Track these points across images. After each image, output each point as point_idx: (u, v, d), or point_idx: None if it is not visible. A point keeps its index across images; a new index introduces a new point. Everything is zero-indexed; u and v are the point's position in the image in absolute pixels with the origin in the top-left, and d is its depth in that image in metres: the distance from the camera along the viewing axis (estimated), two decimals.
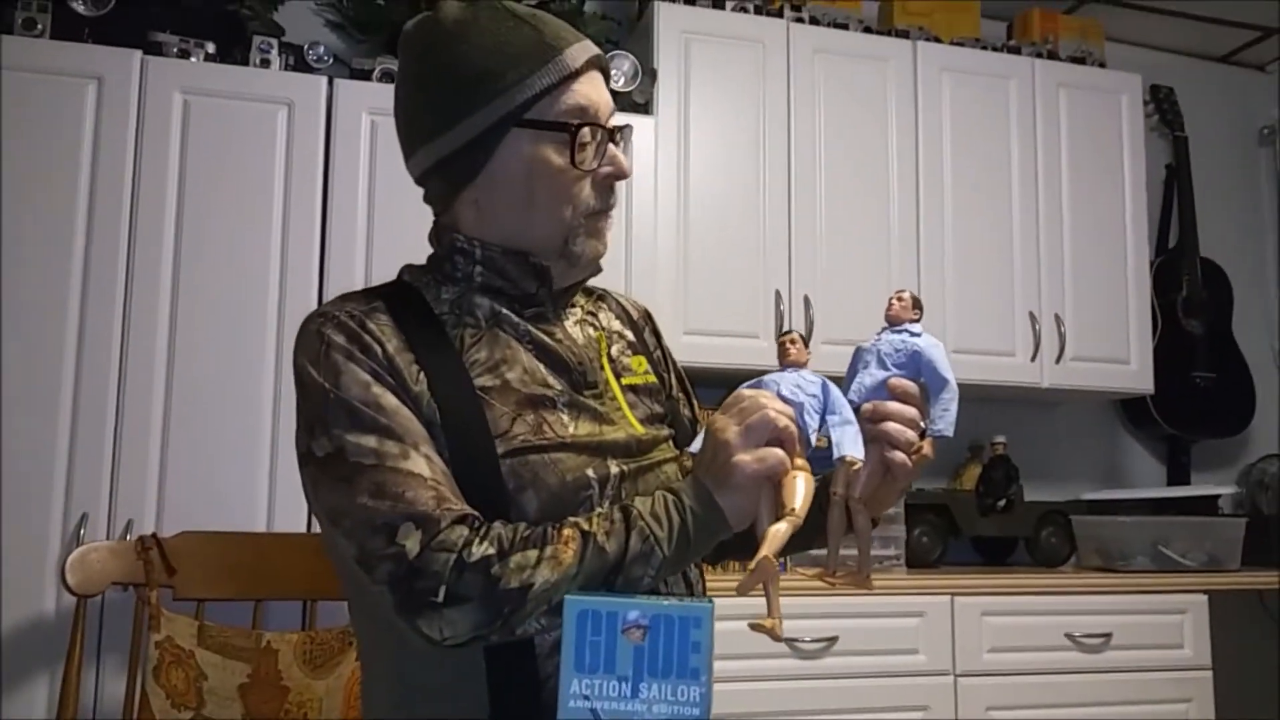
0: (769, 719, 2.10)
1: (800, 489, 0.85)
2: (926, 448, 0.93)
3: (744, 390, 0.91)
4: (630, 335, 1.14)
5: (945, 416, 0.94)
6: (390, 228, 2.17)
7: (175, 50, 2.15)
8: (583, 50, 1.02)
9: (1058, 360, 2.74)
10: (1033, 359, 2.73)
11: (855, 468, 0.89)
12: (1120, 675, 2.38)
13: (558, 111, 1.00)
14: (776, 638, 0.82)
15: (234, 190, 2.11)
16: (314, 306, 2.06)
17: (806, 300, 2.54)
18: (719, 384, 2.58)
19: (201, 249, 2.07)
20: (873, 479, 0.93)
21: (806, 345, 0.96)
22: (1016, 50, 2.89)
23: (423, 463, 0.90)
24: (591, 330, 1.09)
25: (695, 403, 1.21)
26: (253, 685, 1.63)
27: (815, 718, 2.15)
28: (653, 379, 1.11)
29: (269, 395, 2.05)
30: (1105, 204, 2.87)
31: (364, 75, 2.30)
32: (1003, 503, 2.67)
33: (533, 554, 0.86)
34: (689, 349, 2.34)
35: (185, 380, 2.01)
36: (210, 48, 2.19)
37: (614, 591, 0.86)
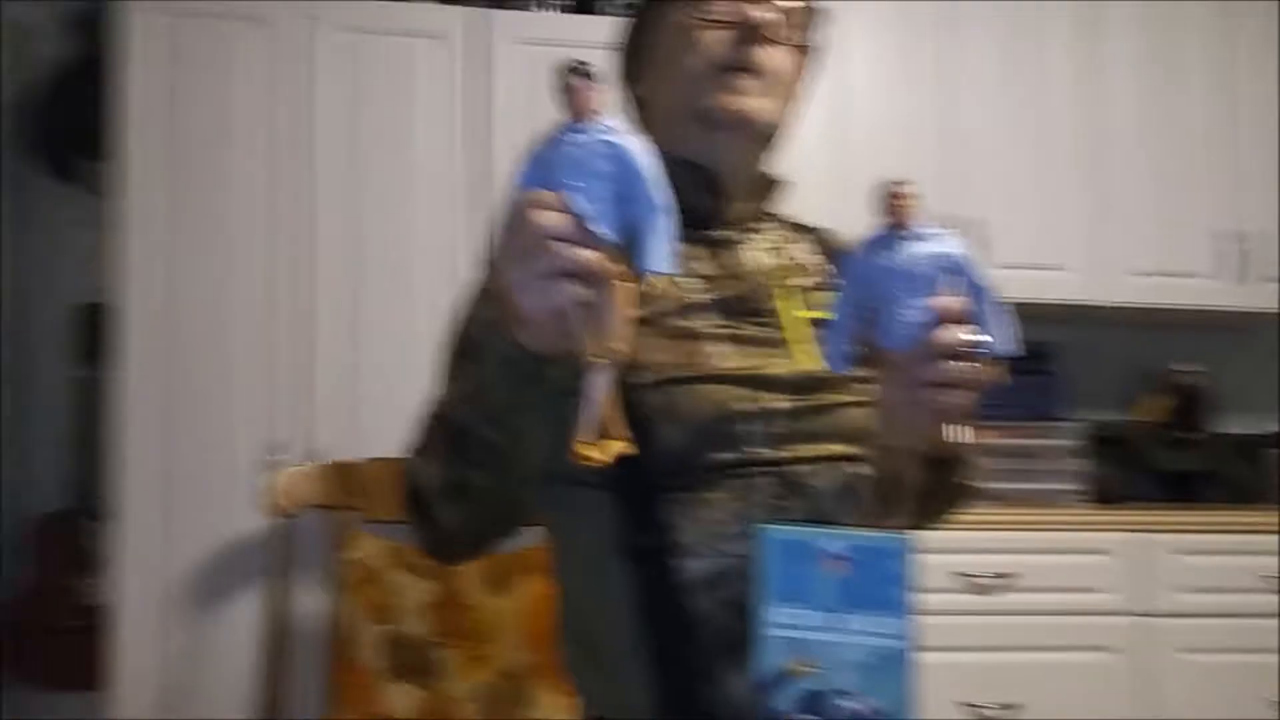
0: (942, 654, 2.06)
1: (610, 309, 0.65)
2: (997, 370, 0.78)
3: (514, 204, 0.67)
4: (824, 271, 1.05)
5: (1000, 329, 0.77)
6: None
7: None
8: None
9: (1251, 280, 2.52)
10: (1224, 279, 2.52)
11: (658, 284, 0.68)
12: None
13: None
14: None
15: (403, 123, 2.15)
16: (488, 233, 2.12)
17: (980, 223, 2.41)
18: None
19: (381, 180, 2.12)
20: (917, 424, 0.78)
21: (598, 87, 0.66)
22: None
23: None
24: (778, 258, 1.03)
25: None
26: (439, 602, 1.70)
27: (991, 654, 2.10)
28: None
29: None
30: None
31: (521, 6, 2.29)
32: (1193, 435, 2.51)
33: (419, 446, 0.88)
34: None
35: (374, 313, 2.09)
36: None
37: (470, 458, 0.83)
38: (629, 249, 0.66)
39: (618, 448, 0.68)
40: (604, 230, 0.64)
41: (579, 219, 0.64)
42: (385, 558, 1.70)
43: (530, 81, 2.19)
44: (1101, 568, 2.17)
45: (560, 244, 0.63)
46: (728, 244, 1.01)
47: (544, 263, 0.64)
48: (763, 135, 1.01)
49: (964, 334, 0.75)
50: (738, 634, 0.87)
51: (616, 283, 0.65)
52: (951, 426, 0.79)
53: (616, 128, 0.66)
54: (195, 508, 1.99)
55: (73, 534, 2.27)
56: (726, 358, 0.93)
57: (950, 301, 0.75)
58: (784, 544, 0.77)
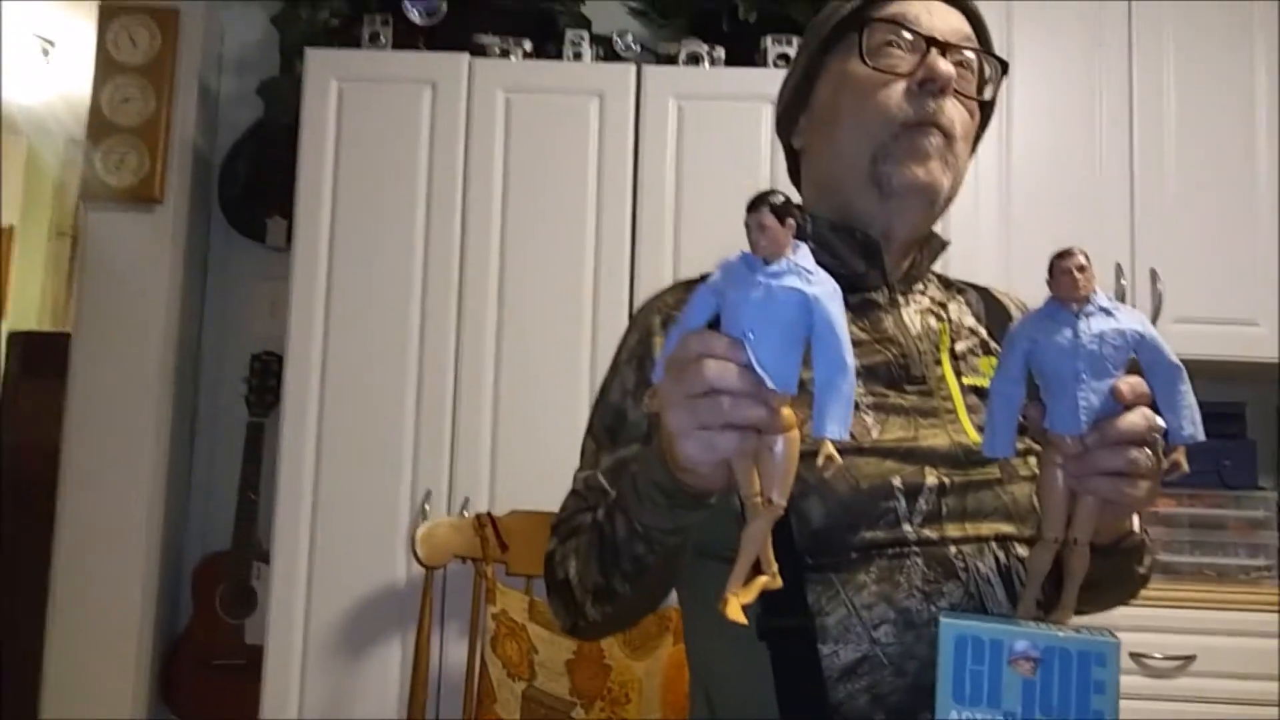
0: None
1: (777, 466, 0.62)
2: (1182, 460, 0.70)
3: (688, 336, 0.63)
4: (985, 334, 1.00)
5: (1190, 413, 0.69)
6: (697, 211, 2.16)
7: (497, 50, 2.26)
8: None
9: None
10: None
11: (829, 456, 0.62)
12: None
13: (866, 17, 0.94)
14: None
15: (552, 182, 2.19)
16: (626, 291, 2.14)
17: (1153, 273, 2.26)
18: None
19: (525, 241, 2.17)
20: (1093, 515, 0.72)
21: (792, 225, 0.60)
22: None
23: (609, 462, 0.92)
24: (934, 321, 0.97)
25: None
26: (578, 661, 1.70)
27: None
28: None
29: (587, 379, 2.12)
30: None
31: (670, 60, 2.31)
32: None
33: (570, 544, 0.88)
34: None
35: (513, 368, 2.13)
36: (527, 45, 2.28)
37: (622, 570, 0.81)
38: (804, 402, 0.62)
39: (764, 585, 0.65)
40: (780, 387, 0.60)
41: (752, 371, 0.60)
42: (527, 612, 1.72)
43: (680, 135, 2.20)
44: None
45: (728, 398, 0.60)
46: (883, 307, 0.96)
47: (708, 415, 0.61)
48: (938, 202, 0.95)
49: (1147, 420, 0.69)
50: None
51: (785, 435, 0.62)
52: (1131, 515, 0.73)
53: (810, 272, 0.61)
54: (345, 554, 2.06)
55: (239, 574, 2.39)
56: (880, 428, 0.88)
57: (1135, 383, 0.68)
58: (962, 638, 0.71)
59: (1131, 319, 0.69)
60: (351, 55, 2.23)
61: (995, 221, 2.28)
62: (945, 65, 0.91)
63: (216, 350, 2.62)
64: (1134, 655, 1.93)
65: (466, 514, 2.02)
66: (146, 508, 2.34)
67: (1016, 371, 0.72)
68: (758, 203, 0.60)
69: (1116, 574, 0.88)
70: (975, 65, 0.96)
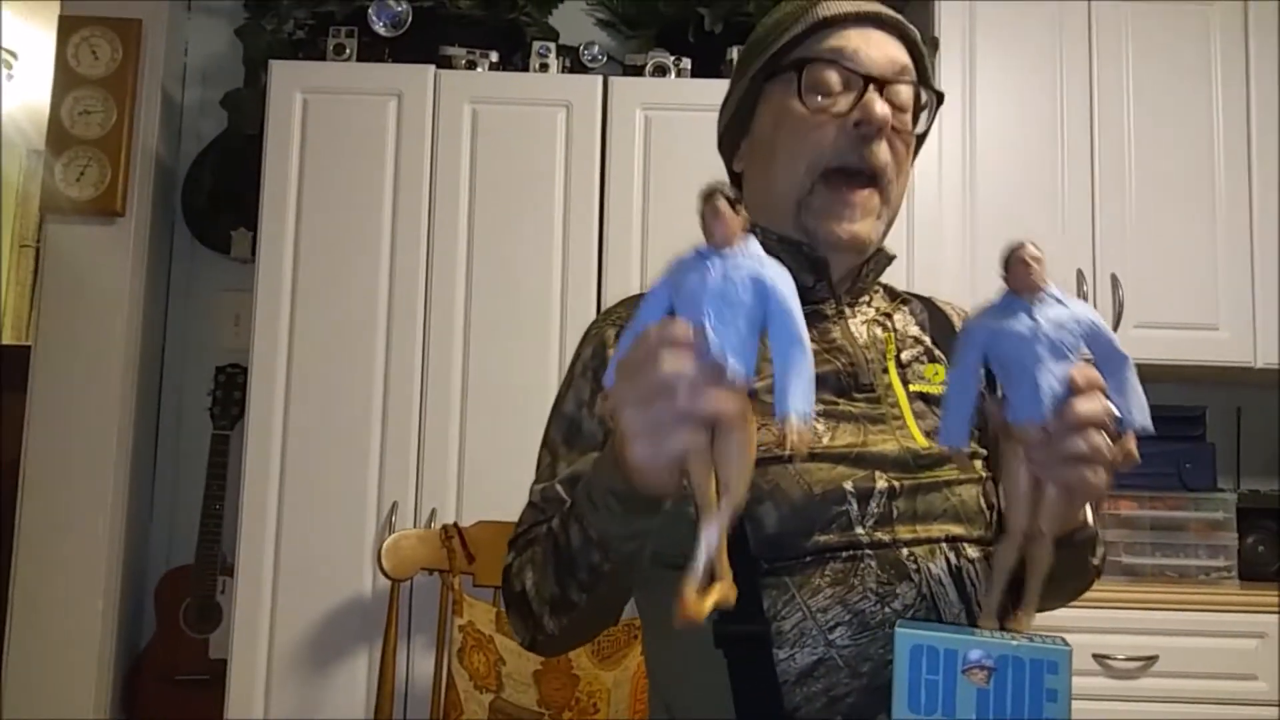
0: None
1: (732, 457, 0.60)
2: (1132, 447, 0.71)
3: (646, 330, 0.62)
4: (929, 342, 1.02)
5: (1138, 401, 0.70)
6: (664, 221, 2.18)
7: (464, 62, 2.27)
8: (848, 4, 0.95)
9: None
10: None
11: (798, 433, 0.59)
12: None
13: (808, 55, 0.94)
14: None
15: (519, 193, 2.19)
16: (594, 302, 2.14)
17: (1114, 279, 2.30)
18: None
19: (491, 252, 2.17)
20: (1057, 504, 0.72)
21: (744, 214, 0.61)
22: None
23: (566, 472, 0.93)
24: (880, 331, 0.99)
25: None
26: (546, 672, 1.69)
27: None
28: None
29: (554, 390, 2.11)
30: None
31: (636, 71, 2.32)
32: None
33: (526, 554, 0.89)
34: None
35: (480, 379, 2.12)
36: (494, 57, 2.28)
37: (578, 580, 0.81)
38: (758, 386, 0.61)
39: (721, 594, 0.62)
40: (740, 370, 0.59)
41: (711, 357, 0.59)
42: (494, 624, 1.71)
43: (646, 146, 2.21)
44: (1252, 652, 2.00)
45: (686, 389, 0.58)
46: (831, 318, 0.98)
47: (665, 410, 0.59)
48: (868, 247, 0.97)
49: (1104, 405, 0.70)
50: None
51: (742, 426, 0.61)
52: (1087, 504, 0.74)
53: (761, 256, 0.61)
54: (311, 568, 2.04)
55: (203, 588, 2.37)
56: (830, 435, 0.89)
57: (1089, 371, 0.69)
58: (917, 648, 0.72)
59: (1084, 308, 0.70)
60: (316, 67, 2.23)
61: (959, 229, 2.30)
62: (880, 108, 0.91)
63: (180, 363, 2.59)
64: (1096, 656, 1.95)
65: (433, 526, 2.01)
66: (108, 521, 2.31)
67: (973, 363, 0.72)
68: (711, 192, 0.61)
69: (1071, 566, 0.90)
70: (911, 95, 0.97)
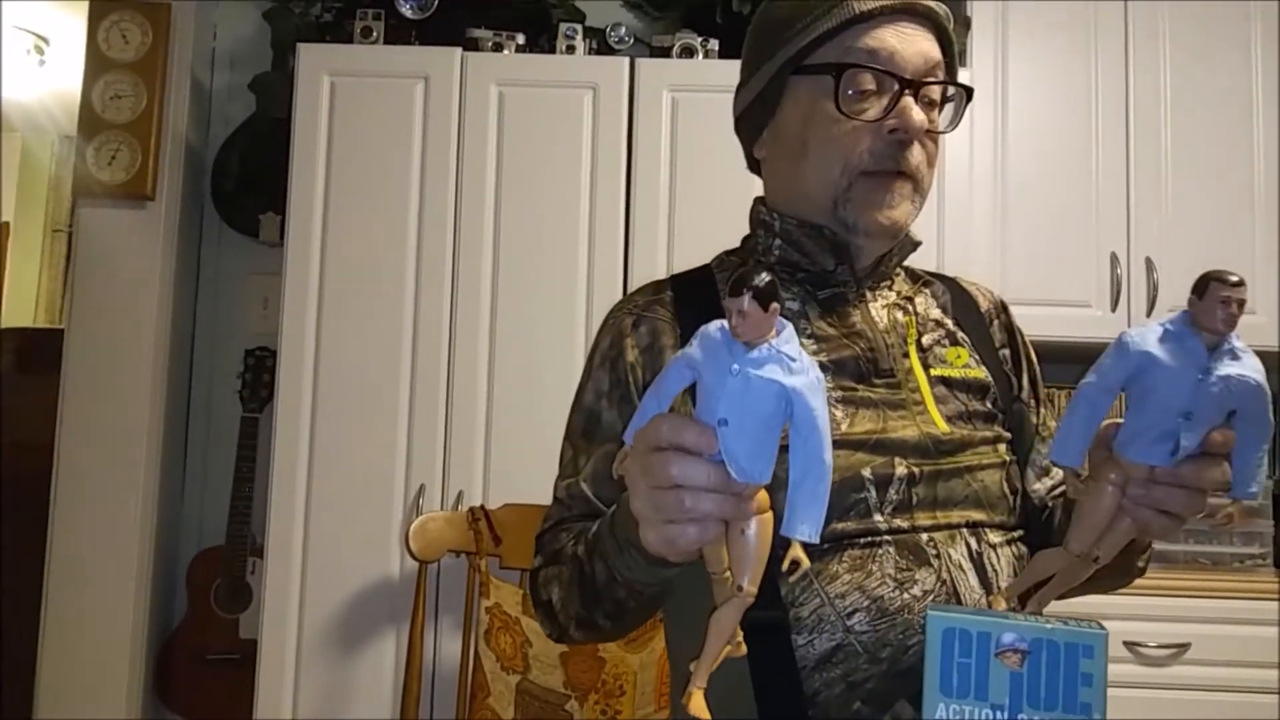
0: None
1: (748, 551, 0.60)
2: (1237, 515, 0.68)
3: (659, 420, 0.61)
4: (951, 325, 1.01)
5: (1259, 473, 0.66)
6: (691, 204, 2.16)
7: (490, 45, 2.26)
8: None
9: None
10: None
11: (796, 560, 0.59)
12: None
13: (840, 56, 0.92)
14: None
15: (546, 174, 2.18)
16: (620, 285, 2.14)
17: (1149, 262, 2.26)
18: (1047, 358, 2.38)
19: (518, 234, 2.17)
20: (1125, 537, 0.70)
21: (776, 309, 0.56)
22: None
23: (588, 466, 0.94)
24: (901, 315, 0.98)
25: (1044, 410, 1.04)
26: (573, 654, 1.70)
27: None
28: (976, 374, 0.96)
29: (580, 373, 2.11)
30: None
31: (663, 53, 2.30)
32: None
33: (553, 569, 0.89)
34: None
35: (506, 362, 2.12)
36: (520, 39, 2.28)
37: (603, 609, 0.84)
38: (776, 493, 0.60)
39: (727, 653, 0.63)
40: (750, 480, 0.58)
41: (722, 463, 0.57)
42: (520, 606, 1.72)
43: (674, 128, 2.19)
44: None
45: (691, 493, 0.58)
46: (851, 302, 0.97)
47: (671, 509, 0.59)
48: (903, 232, 0.97)
49: (1225, 476, 0.66)
50: (855, 716, 0.82)
51: (757, 517, 0.60)
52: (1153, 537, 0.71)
53: (793, 359, 0.57)
54: (339, 549, 2.06)
55: (234, 569, 2.39)
56: (850, 421, 0.89)
57: (1229, 436, 0.65)
58: (949, 631, 0.70)
59: (1255, 366, 0.64)
60: (343, 50, 2.23)
61: (989, 212, 2.27)
62: (916, 115, 0.90)
63: (210, 346, 2.62)
64: (1128, 644, 1.93)
65: (460, 508, 2.01)
66: (140, 503, 2.34)
67: (1116, 382, 0.66)
68: (739, 285, 0.55)
69: (1119, 568, 0.89)
70: (942, 91, 0.96)
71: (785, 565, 0.60)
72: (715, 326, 0.58)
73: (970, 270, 2.13)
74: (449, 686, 1.95)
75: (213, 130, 2.66)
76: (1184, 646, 1.96)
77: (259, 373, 2.44)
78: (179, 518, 2.55)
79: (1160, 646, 1.95)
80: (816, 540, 0.58)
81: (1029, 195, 2.28)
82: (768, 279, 0.55)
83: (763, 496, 0.60)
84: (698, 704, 0.63)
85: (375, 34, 2.25)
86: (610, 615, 0.85)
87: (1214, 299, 0.62)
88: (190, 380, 2.60)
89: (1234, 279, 0.62)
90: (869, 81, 0.91)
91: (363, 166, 2.17)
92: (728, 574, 0.61)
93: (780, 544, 0.60)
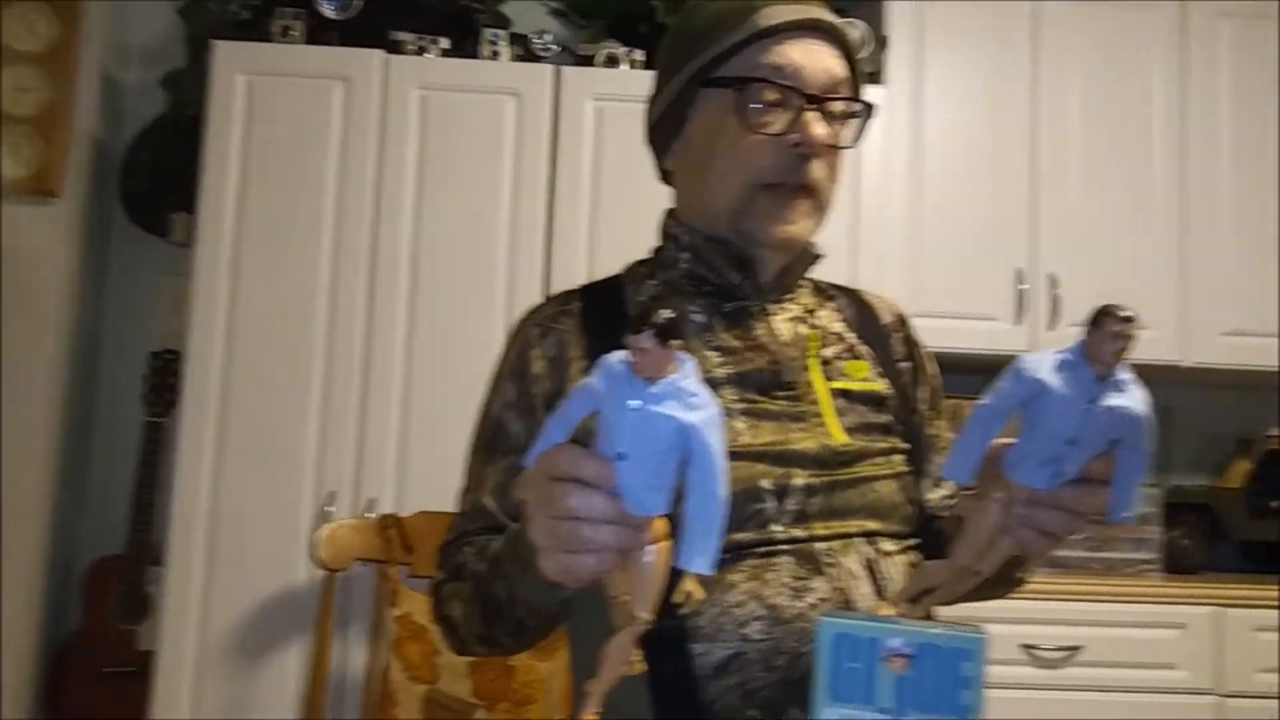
0: None
1: (645, 578, 0.61)
2: (1114, 534, 0.74)
3: (558, 451, 0.62)
4: (853, 338, 1.03)
5: (1135, 500, 0.69)
6: (613, 214, 2.18)
7: (413, 48, 2.24)
8: (788, 11, 0.94)
9: None
10: None
11: (688, 592, 0.62)
12: None
13: (746, 70, 0.94)
14: None
15: (467, 182, 2.18)
16: (539, 293, 2.14)
17: (1052, 278, 2.35)
18: (954, 370, 2.45)
19: (437, 241, 2.16)
20: (1006, 554, 0.72)
21: (676, 344, 0.57)
22: None
23: (492, 479, 0.94)
24: (804, 328, 1.00)
25: (941, 422, 1.07)
26: (482, 663, 1.69)
27: None
28: (876, 387, 0.99)
29: None
30: None
31: (587, 61, 2.31)
32: (1278, 503, 2.38)
33: (455, 585, 0.90)
34: (921, 332, 2.21)
35: (423, 368, 2.11)
36: (445, 43, 2.27)
37: (505, 628, 0.85)
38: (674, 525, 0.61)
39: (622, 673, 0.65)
40: (645, 513, 0.59)
41: (619, 495, 0.59)
42: (430, 615, 1.71)
43: (597, 137, 2.20)
44: (1176, 643, 2.06)
45: (588, 525, 0.60)
46: (755, 315, 0.99)
47: (568, 539, 0.61)
48: (802, 245, 0.99)
49: (1103, 502, 0.69)
50: None
51: (655, 546, 0.61)
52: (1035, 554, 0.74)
53: (692, 394, 0.58)
54: (244, 558, 2.02)
55: (133, 578, 2.32)
56: (751, 433, 0.91)
57: (1109, 465, 0.68)
58: (840, 636, 0.72)
59: (1140, 399, 0.66)
60: (261, 49, 2.19)
61: (904, 224, 2.33)
62: (819, 129, 0.92)
63: (116, 347, 2.54)
64: (1024, 646, 2.00)
65: (373, 515, 1.99)
66: (35, 508, 2.26)
67: (1009, 405, 0.68)
68: (640, 323, 0.56)
69: (1000, 579, 0.92)
70: (846, 107, 0.97)
71: (679, 598, 0.62)
72: (617, 359, 0.59)
73: (884, 282, 2.20)
74: (355, 698, 1.93)
75: (124, 127, 2.59)
76: (1077, 649, 2.03)
77: (165, 376, 2.37)
78: (78, 524, 2.47)
79: (1055, 649, 2.02)
80: (711, 573, 0.59)
81: (942, 210, 2.35)
82: (668, 316, 0.56)
83: (660, 524, 0.61)
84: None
85: (295, 33, 2.22)
86: (512, 633, 0.86)
87: (1105, 332, 0.64)
88: (95, 382, 2.52)
89: (1126, 314, 0.64)
90: (773, 96, 0.93)
91: (278, 168, 2.14)
92: (626, 598, 0.62)
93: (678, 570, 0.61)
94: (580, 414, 0.62)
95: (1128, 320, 0.64)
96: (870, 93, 1.01)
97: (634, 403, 0.57)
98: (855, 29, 2.33)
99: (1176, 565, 2.30)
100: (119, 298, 2.56)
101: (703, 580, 0.85)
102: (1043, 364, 0.67)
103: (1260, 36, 2.46)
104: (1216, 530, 2.38)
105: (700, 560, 0.59)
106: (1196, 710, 2.05)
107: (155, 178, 2.53)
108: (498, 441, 0.97)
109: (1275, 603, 2.09)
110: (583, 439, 0.62)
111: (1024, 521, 0.70)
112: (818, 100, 0.93)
